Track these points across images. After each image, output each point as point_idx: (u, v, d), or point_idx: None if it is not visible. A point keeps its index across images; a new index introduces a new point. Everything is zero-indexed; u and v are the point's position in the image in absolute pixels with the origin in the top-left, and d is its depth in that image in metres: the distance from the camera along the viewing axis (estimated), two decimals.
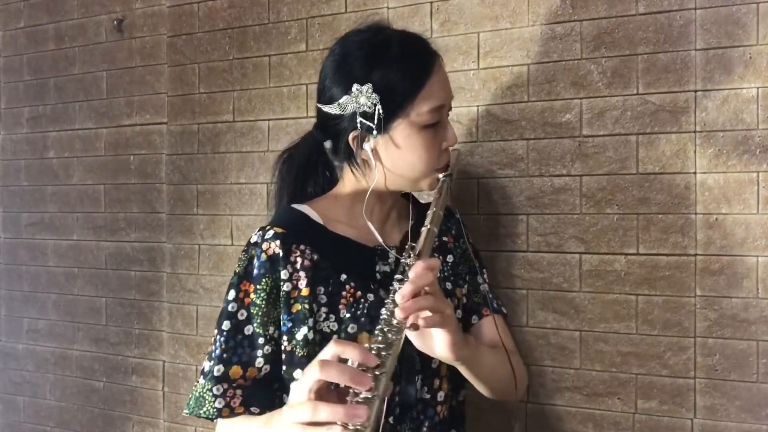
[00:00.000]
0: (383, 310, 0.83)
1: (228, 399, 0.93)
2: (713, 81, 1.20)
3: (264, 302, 0.96)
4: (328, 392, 0.74)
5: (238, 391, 0.94)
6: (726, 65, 1.20)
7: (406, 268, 0.86)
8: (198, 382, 0.96)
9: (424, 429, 1.00)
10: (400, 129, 0.97)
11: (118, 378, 1.84)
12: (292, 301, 0.96)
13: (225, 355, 0.95)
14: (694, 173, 1.22)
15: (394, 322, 0.80)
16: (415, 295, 0.81)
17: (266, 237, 0.99)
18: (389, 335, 0.79)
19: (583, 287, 1.30)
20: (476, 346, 0.99)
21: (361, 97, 0.95)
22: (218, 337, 0.97)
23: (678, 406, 1.23)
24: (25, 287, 2.01)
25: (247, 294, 0.97)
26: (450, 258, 1.11)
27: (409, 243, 0.91)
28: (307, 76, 1.56)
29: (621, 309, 1.27)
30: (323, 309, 0.97)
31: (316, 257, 0.98)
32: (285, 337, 0.96)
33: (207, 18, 1.69)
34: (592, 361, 1.30)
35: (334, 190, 1.09)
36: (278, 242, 0.98)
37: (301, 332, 0.95)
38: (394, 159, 0.99)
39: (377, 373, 0.73)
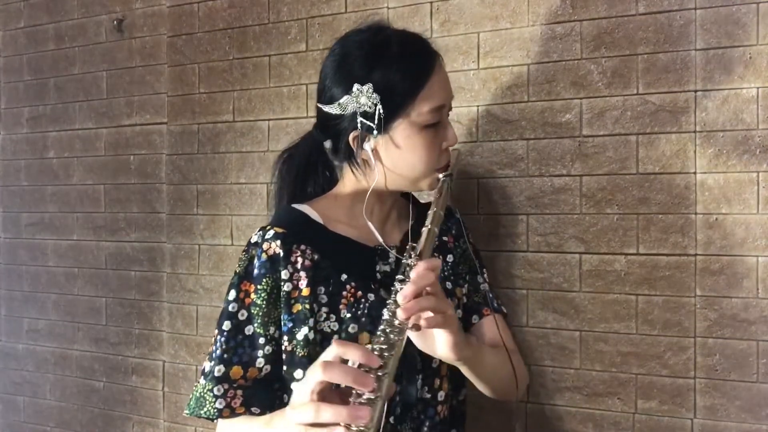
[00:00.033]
0: (385, 311, 0.83)
1: (229, 399, 0.93)
2: (713, 81, 1.21)
3: (264, 302, 0.96)
4: (330, 393, 0.74)
5: (239, 392, 0.94)
6: (726, 65, 1.20)
7: (407, 268, 0.85)
8: (198, 382, 0.96)
9: (425, 429, 1.00)
10: (401, 129, 0.97)
11: (118, 378, 1.84)
12: (292, 301, 0.96)
13: (225, 356, 0.95)
14: (694, 173, 1.22)
15: (396, 322, 0.80)
16: (417, 295, 0.81)
17: (267, 237, 0.99)
18: (391, 336, 0.79)
19: (583, 287, 1.30)
20: (478, 346, 0.99)
21: (362, 97, 0.95)
22: (219, 337, 0.97)
23: (678, 406, 1.23)
24: (25, 287, 2.01)
25: (247, 294, 0.97)
26: (450, 258, 1.11)
27: (410, 243, 0.91)
28: (307, 76, 1.56)
29: (621, 309, 1.27)
30: (324, 309, 0.97)
31: (316, 257, 0.98)
32: (285, 337, 0.96)
33: (207, 18, 1.69)
34: (592, 361, 1.30)
35: (334, 190, 1.09)
36: (279, 242, 0.98)
37: (302, 332, 0.95)
38: (395, 159, 0.99)
39: (380, 373, 0.73)
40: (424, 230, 0.91)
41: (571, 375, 1.32)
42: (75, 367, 1.92)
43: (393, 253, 1.03)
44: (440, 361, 0.98)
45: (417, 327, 0.83)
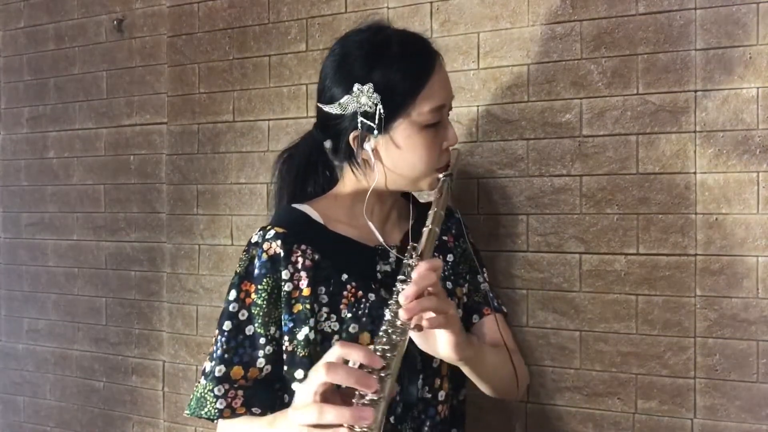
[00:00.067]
0: (387, 312, 0.83)
1: (229, 400, 0.93)
2: (713, 81, 1.21)
3: (265, 302, 0.96)
4: (333, 394, 0.74)
5: (240, 392, 0.94)
6: (726, 65, 1.20)
7: (409, 268, 0.85)
8: (199, 382, 0.96)
9: (426, 428, 1.00)
10: (401, 129, 0.97)
11: (118, 378, 1.84)
12: (293, 301, 0.96)
13: (226, 356, 0.95)
14: (694, 173, 1.22)
15: (398, 323, 0.80)
16: (419, 296, 0.81)
17: (267, 237, 0.99)
18: (393, 336, 0.79)
19: (583, 287, 1.30)
20: (479, 345, 0.99)
21: (362, 97, 0.95)
22: (219, 337, 0.97)
23: (678, 406, 1.23)
24: (25, 287, 2.01)
25: (248, 294, 0.97)
26: (450, 257, 1.11)
27: (410, 243, 0.91)
28: (307, 76, 1.56)
29: (621, 309, 1.27)
30: (324, 309, 0.97)
31: (317, 257, 0.98)
32: (286, 337, 0.96)
33: (207, 18, 1.69)
34: (592, 361, 1.30)
35: (334, 189, 1.09)
36: (279, 242, 0.98)
37: (303, 332, 0.95)
38: (395, 159, 0.99)
39: (382, 374, 0.73)
40: (425, 230, 0.91)
41: (571, 375, 1.32)
42: (75, 367, 1.92)
43: (393, 253, 1.03)
44: (441, 360, 0.98)
45: (419, 327, 0.83)
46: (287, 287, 0.96)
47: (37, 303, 1.98)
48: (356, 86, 0.95)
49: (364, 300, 0.98)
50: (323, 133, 1.04)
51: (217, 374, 0.94)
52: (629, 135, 1.27)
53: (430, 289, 0.83)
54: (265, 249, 0.98)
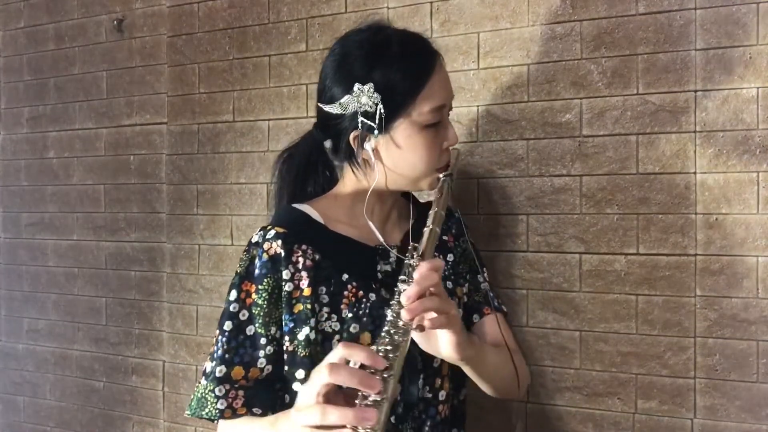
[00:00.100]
0: (389, 312, 0.82)
1: (230, 400, 0.93)
2: (713, 81, 1.21)
3: (266, 302, 0.96)
4: (335, 395, 0.74)
5: (240, 392, 0.94)
6: (726, 65, 1.20)
7: (410, 269, 0.85)
8: (200, 383, 0.96)
9: (426, 428, 1.00)
10: (402, 129, 0.97)
11: (118, 378, 1.84)
12: (293, 301, 0.96)
13: (227, 356, 0.95)
14: (694, 173, 1.22)
15: (400, 323, 0.80)
16: (421, 296, 0.81)
17: (267, 237, 0.99)
18: (396, 337, 0.79)
19: (583, 287, 1.30)
20: (480, 345, 0.99)
21: (363, 97, 0.95)
22: (220, 337, 0.97)
23: (678, 406, 1.23)
24: (25, 287, 2.01)
25: (248, 294, 0.97)
26: (450, 257, 1.11)
27: (411, 243, 0.91)
28: (307, 76, 1.56)
29: (621, 309, 1.27)
30: (325, 309, 0.97)
31: (317, 257, 0.98)
32: (287, 337, 0.96)
33: (207, 18, 1.69)
34: (592, 361, 1.30)
35: (335, 189, 1.09)
36: (280, 242, 0.98)
37: (303, 332, 0.95)
38: (395, 158, 0.99)
39: (385, 375, 0.73)
40: (426, 230, 0.91)
41: (571, 375, 1.32)
42: (75, 367, 1.92)
43: (394, 253, 1.03)
44: (441, 360, 0.98)
45: (421, 328, 0.83)
46: (288, 287, 0.96)
47: (37, 303, 1.98)
48: (357, 86, 0.95)
49: (364, 300, 0.98)
50: (323, 132, 1.04)
51: (217, 374, 0.94)
52: (629, 135, 1.27)
53: (431, 289, 0.83)
54: (265, 249, 0.98)
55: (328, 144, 1.04)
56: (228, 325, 0.96)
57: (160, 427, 1.78)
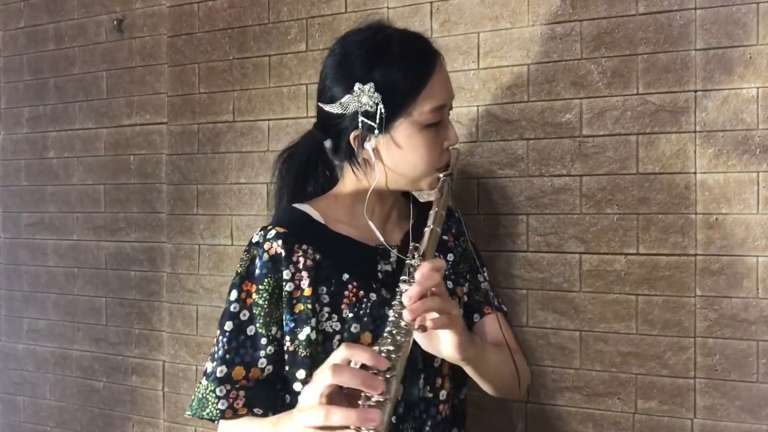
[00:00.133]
0: (390, 312, 0.82)
1: (231, 400, 0.93)
2: (713, 81, 1.21)
3: (266, 302, 0.96)
4: (338, 396, 0.74)
5: (241, 392, 0.94)
6: (726, 65, 1.20)
7: (411, 269, 0.85)
8: (201, 383, 0.96)
9: (427, 428, 1.00)
10: (402, 128, 0.97)
11: (118, 378, 1.84)
12: (294, 301, 0.96)
13: (228, 356, 0.95)
14: (694, 173, 1.22)
15: (402, 324, 0.80)
16: (422, 296, 0.81)
17: (268, 237, 0.99)
18: (398, 337, 0.79)
19: (583, 287, 1.30)
20: (482, 345, 0.99)
21: (363, 97, 0.95)
22: (221, 337, 0.96)
23: (678, 406, 1.23)
24: (25, 287, 2.01)
25: (249, 294, 0.97)
26: (450, 257, 1.11)
27: (412, 243, 0.90)
28: (307, 76, 1.56)
29: (621, 309, 1.27)
30: (326, 309, 0.97)
31: (318, 257, 0.98)
32: (287, 337, 0.96)
33: (207, 18, 1.69)
34: (592, 361, 1.30)
35: (335, 189, 1.09)
36: (280, 242, 0.97)
37: (304, 332, 0.95)
38: (396, 158, 0.99)
39: (388, 376, 0.73)
40: (427, 230, 0.91)
41: (571, 375, 1.32)
42: (75, 367, 1.92)
43: (395, 253, 1.03)
44: (442, 360, 0.98)
45: (423, 328, 0.83)
46: (288, 287, 0.96)
47: (37, 303, 1.98)
48: (357, 86, 0.95)
49: (365, 300, 0.98)
50: (323, 132, 1.04)
51: (218, 375, 0.94)
52: (629, 135, 1.27)
53: (433, 289, 0.83)
54: (266, 249, 0.98)
55: (328, 144, 1.04)
56: (229, 325, 0.96)
57: (160, 427, 1.78)
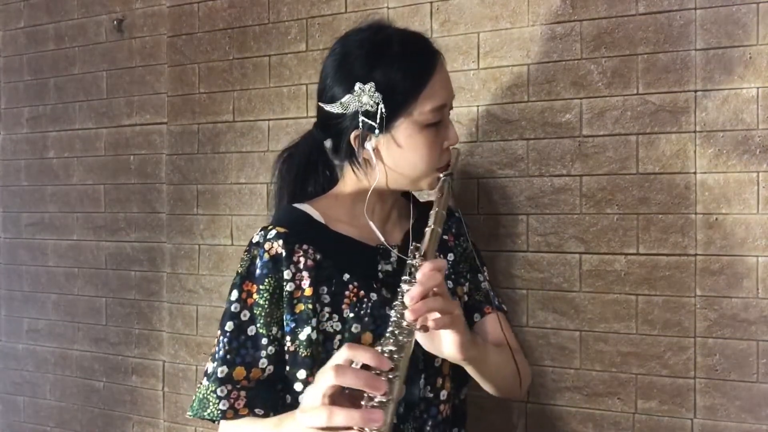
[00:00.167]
0: (392, 312, 0.82)
1: (232, 400, 0.93)
2: (713, 81, 1.21)
3: (267, 302, 0.96)
4: (340, 396, 0.74)
5: (242, 393, 0.94)
6: (726, 65, 1.20)
7: (412, 269, 0.85)
8: (201, 383, 0.96)
9: (428, 428, 1.00)
10: (403, 128, 0.97)
11: (118, 378, 1.84)
12: (295, 301, 0.96)
13: (228, 357, 0.95)
14: (694, 173, 1.22)
15: (404, 324, 0.80)
16: (424, 296, 0.81)
17: (269, 237, 0.99)
18: (400, 338, 0.79)
19: (583, 287, 1.30)
20: (483, 345, 0.99)
21: (364, 96, 0.95)
22: (221, 338, 0.96)
23: (678, 406, 1.24)
24: (25, 287, 2.01)
25: (249, 294, 0.97)
26: (451, 256, 1.11)
27: (413, 243, 0.90)
28: (307, 76, 1.56)
29: (621, 309, 1.27)
30: (326, 309, 0.97)
31: (318, 257, 0.98)
32: (288, 338, 0.96)
33: (207, 18, 1.69)
34: (592, 361, 1.30)
35: (335, 189, 1.09)
36: (281, 242, 0.97)
37: (305, 332, 0.95)
38: (396, 158, 0.99)
39: (390, 376, 0.73)
40: (428, 230, 0.91)
41: (571, 375, 1.32)
42: (75, 367, 1.92)
43: (395, 253, 1.03)
44: (443, 360, 0.98)
45: (425, 328, 0.83)
46: (289, 287, 0.96)
47: (37, 303, 1.98)
48: (358, 85, 0.95)
49: (366, 300, 0.98)
50: (324, 132, 1.04)
51: (219, 375, 0.94)
52: (629, 135, 1.27)
53: (435, 289, 0.83)
54: (266, 249, 0.98)
55: (328, 143, 1.04)
56: (229, 326, 0.96)
57: (160, 427, 1.78)
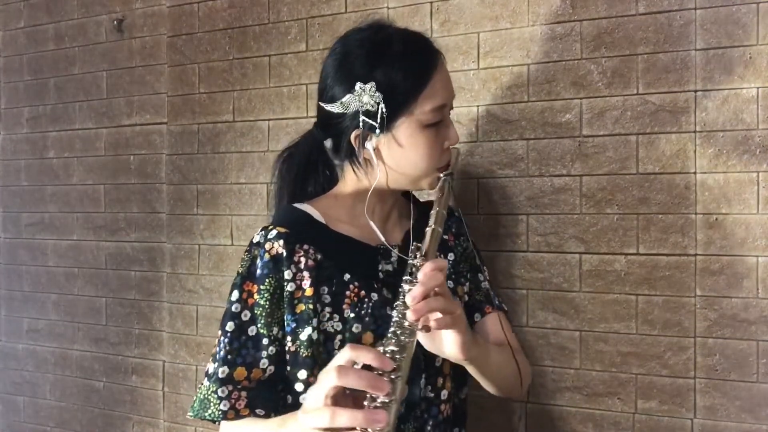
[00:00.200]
0: (394, 313, 0.82)
1: (233, 401, 0.93)
2: (713, 81, 1.21)
3: (268, 303, 0.96)
4: (343, 397, 0.74)
5: (243, 393, 0.94)
6: (726, 65, 1.20)
7: (414, 269, 0.85)
8: (202, 384, 0.96)
9: (428, 428, 1.00)
10: (403, 128, 0.97)
11: (118, 378, 1.84)
12: (295, 302, 0.96)
13: (229, 357, 0.95)
14: (694, 173, 1.22)
15: (406, 324, 0.80)
16: (426, 296, 0.81)
17: (269, 237, 0.99)
18: (402, 338, 0.79)
19: (583, 287, 1.30)
20: (484, 344, 0.99)
21: (364, 96, 0.95)
22: (222, 338, 0.96)
23: (678, 406, 1.24)
24: (25, 287, 2.01)
25: (250, 294, 0.97)
26: (451, 256, 1.11)
27: (414, 243, 0.90)
28: (307, 76, 1.56)
29: (621, 309, 1.28)
30: (327, 309, 0.97)
31: (319, 257, 0.98)
32: (289, 338, 0.96)
33: (207, 18, 1.69)
34: (592, 361, 1.30)
35: (335, 189, 1.09)
36: (281, 242, 0.97)
37: (305, 332, 0.95)
38: (397, 158, 0.99)
39: (393, 376, 0.73)
40: (428, 230, 0.91)
41: (571, 375, 1.32)
42: (75, 367, 1.92)
43: (396, 253, 1.03)
44: (443, 359, 0.98)
45: (427, 328, 0.83)
46: (290, 287, 0.96)
47: (37, 303, 1.98)
48: (358, 85, 0.95)
49: (366, 300, 0.98)
50: (324, 132, 1.04)
51: (220, 375, 0.94)
52: (629, 135, 1.27)
53: (436, 289, 0.83)
54: (267, 249, 0.98)
55: (328, 143, 1.04)
56: (230, 326, 0.96)
57: (160, 427, 1.78)
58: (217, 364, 0.95)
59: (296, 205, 1.05)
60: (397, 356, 0.76)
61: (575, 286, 1.31)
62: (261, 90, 1.63)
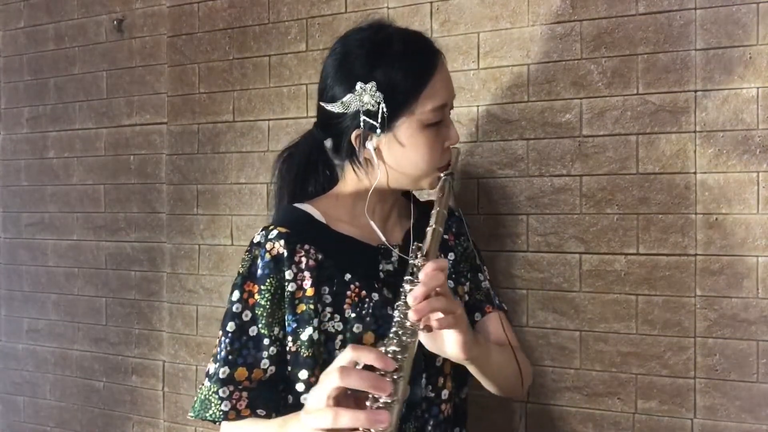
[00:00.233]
0: (396, 313, 0.82)
1: (234, 401, 0.93)
2: (713, 81, 1.21)
3: (268, 303, 0.96)
4: (345, 398, 0.74)
5: (244, 393, 0.93)
6: (726, 65, 1.20)
7: (415, 269, 0.85)
8: (203, 384, 0.96)
9: (429, 427, 1.00)
10: (404, 127, 0.97)
11: (118, 378, 1.84)
12: (296, 302, 0.96)
13: (230, 357, 0.95)
14: (694, 173, 1.22)
15: (408, 324, 0.80)
16: (427, 296, 0.81)
17: (270, 237, 0.99)
18: (404, 338, 0.78)
19: (583, 287, 1.30)
20: (485, 344, 0.99)
21: (365, 96, 0.95)
22: (223, 338, 0.96)
23: (678, 406, 1.24)
24: (25, 287, 2.01)
25: (251, 294, 0.97)
26: (451, 256, 1.11)
27: (415, 243, 0.90)
28: (307, 76, 1.56)
29: (621, 309, 1.28)
30: (328, 309, 0.97)
31: (320, 257, 0.98)
32: (290, 338, 0.96)
33: (207, 18, 1.69)
34: (592, 361, 1.30)
35: (335, 189, 1.08)
36: (282, 242, 0.97)
37: (306, 333, 0.95)
38: (397, 157, 0.99)
39: (395, 377, 0.73)
40: (429, 230, 0.91)
41: (571, 375, 1.32)
42: (75, 367, 1.92)
43: (396, 252, 1.03)
44: (444, 359, 0.98)
45: (428, 328, 0.83)
46: (291, 287, 0.96)
47: (37, 303, 1.98)
48: (359, 85, 0.95)
49: (367, 300, 0.98)
50: (324, 132, 1.04)
51: (221, 376, 0.94)
52: (629, 135, 1.27)
53: (438, 289, 0.83)
54: (268, 249, 0.98)
55: (329, 143, 1.04)
56: (231, 326, 0.96)
57: (160, 427, 1.78)
58: (217, 364, 0.95)
59: (297, 205, 1.05)
60: (399, 356, 0.76)
61: (575, 286, 1.31)
62: (261, 90, 1.63)
